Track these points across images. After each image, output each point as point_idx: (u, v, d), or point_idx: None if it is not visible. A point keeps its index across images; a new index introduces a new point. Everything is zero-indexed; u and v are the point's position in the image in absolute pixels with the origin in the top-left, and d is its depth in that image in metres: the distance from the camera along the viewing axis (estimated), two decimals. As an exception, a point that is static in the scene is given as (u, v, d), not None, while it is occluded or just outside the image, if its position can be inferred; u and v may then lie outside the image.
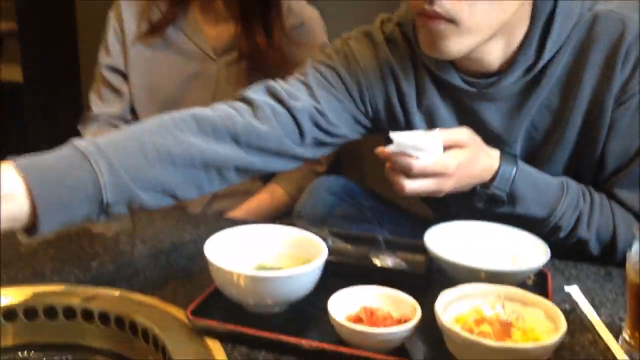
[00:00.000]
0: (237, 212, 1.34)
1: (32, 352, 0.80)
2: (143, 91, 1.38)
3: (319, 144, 0.99)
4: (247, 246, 0.84)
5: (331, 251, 0.81)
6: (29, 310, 0.79)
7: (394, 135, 0.84)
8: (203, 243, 0.99)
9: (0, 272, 0.86)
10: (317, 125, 0.96)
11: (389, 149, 0.85)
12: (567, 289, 0.87)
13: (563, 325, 0.66)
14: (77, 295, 0.81)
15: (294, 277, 0.75)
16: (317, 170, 1.39)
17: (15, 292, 0.81)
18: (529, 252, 0.85)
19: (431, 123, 0.99)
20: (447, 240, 0.87)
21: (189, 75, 1.36)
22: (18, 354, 0.79)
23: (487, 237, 0.89)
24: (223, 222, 1.08)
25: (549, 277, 0.86)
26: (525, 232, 0.88)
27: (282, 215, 1.38)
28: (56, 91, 2.33)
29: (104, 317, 0.79)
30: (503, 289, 0.73)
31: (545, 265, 0.83)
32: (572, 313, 0.81)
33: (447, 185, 0.87)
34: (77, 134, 1.44)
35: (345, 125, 1.00)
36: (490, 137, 0.94)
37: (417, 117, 0.99)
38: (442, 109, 0.98)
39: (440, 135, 0.85)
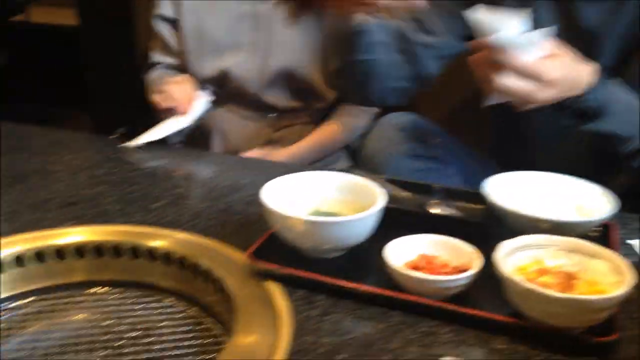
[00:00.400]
0: (294, 148, 1.35)
1: (100, 287, 0.83)
2: (194, 36, 1.38)
3: None
4: (304, 192, 0.84)
5: (389, 198, 0.80)
6: (97, 248, 0.83)
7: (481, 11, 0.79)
8: (260, 188, 1.00)
9: (68, 211, 0.90)
10: None
11: (488, 39, 0.80)
12: (633, 242, 0.84)
13: (630, 278, 0.64)
14: (141, 235, 0.84)
15: (351, 222, 0.75)
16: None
17: (84, 231, 0.84)
18: (595, 203, 0.83)
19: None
20: (508, 189, 0.85)
21: (240, 16, 1.35)
22: (87, 290, 0.83)
23: (551, 187, 0.87)
24: (279, 167, 1.09)
25: (615, 229, 0.84)
26: (591, 183, 0.85)
27: (337, 159, 1.39)
28: (112, 35, 2.36)
29: (167, 257, 0.82)
30: (566, 240, 0.71)
31: (611, 217, 0.81)
32: (638, 266, 0.79)
33: (541, 94, 0.82)
34: (133, 76, 1.47)
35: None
36: (585, 38, 0.90)
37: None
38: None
39: (541, 36, 0.81)
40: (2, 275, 0.79)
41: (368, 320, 0.70)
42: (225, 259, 0.80)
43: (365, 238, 0.78)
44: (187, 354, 0.73)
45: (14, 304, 0.80)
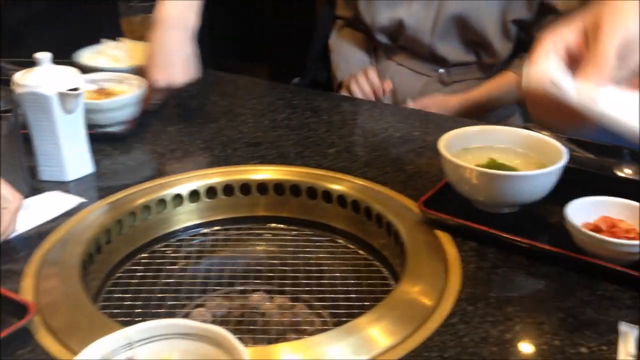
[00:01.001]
0: (466, 95, 1.33)
1: (278, 224, 0.90)
2: None
3: None
4: (481, 145, 0.84)
5: (570, 158, 0.77)
6: (278, 187, 0.89)
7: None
8: (431, 140, 1.01)
9: (253, 150, 0.97)
10: None
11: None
12: None
13: None
14: (318, 177, 0.89)
15: (530, 178, 0.73)
16: None
17: (267, 170, 0.91)
18: None
19: None
20: None
21: None
22: (267, 224, 0.90)
23: None
24: (452, 121, 1.08)
25: None
26: None
27: (511, 112, 1.35)
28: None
29: (342, 200, 0.86)
30: None
31: None
32: None
33: None
34: (311, 28, 1.53)
35: None
36: None
37: None
38: None
39: None
40: (196, 204, 0.88)
41: (541, 277, 0.69)
42: (397, 206, 0.82)
43: (542, 196, 0.76)
44: (355, 292, 0.77)
45: (205, 230, 0.89)
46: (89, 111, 0.92)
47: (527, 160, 0.81)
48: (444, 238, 0.76)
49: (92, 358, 0.48)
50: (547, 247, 0.70)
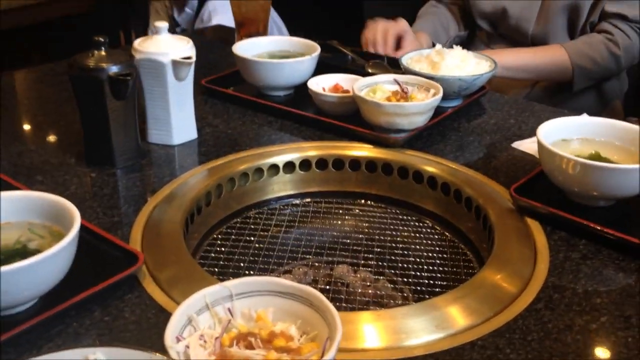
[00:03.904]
0: (511, 51, 1.31)
1: (367, 200, 0.92)
2: None
3: None
4: (581, 137, 0.82)
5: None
6: (369, 164, 0.91)
7: None
8: (527, 127, 1.00)
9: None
10: None
11: None
12: None
13: None
14: (411, 157, 0.90)
15: (632, 172, 0.72)
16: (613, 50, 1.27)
17: (361, 147, 0.93)
18: None
19: None
20: None
21: None
22: (356, 200, 0.93)
23: None
24: (548, 111, 1.06)
25: None
26: None
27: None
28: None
29: (432, 181, 0.87)
30: None
31: None
32: None
33: None
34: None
35: None
36: None
37: None
38: None
39: None
40: (290, 176, 0.92)
41: (632, 272, 0.68)
42: (488, 191, 0.83)
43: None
44: (439, 272, 0.79)
45: (296, 202, 0.93)
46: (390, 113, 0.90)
47: (627, 154, 0.79)
48: (534, 226, 0.76)
49: (197, 304, 0.52)
50: (638, 241, 0.69)
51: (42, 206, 0.64)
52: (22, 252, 0.61)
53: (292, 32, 1.77)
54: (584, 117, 0.87)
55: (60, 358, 0.43)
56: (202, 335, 0.51)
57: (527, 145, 0.93)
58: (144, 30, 2.00)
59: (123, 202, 0.81)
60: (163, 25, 0.90)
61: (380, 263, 0.82)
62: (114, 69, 0.82)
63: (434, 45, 1.16)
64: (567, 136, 0.82)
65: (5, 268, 0.54)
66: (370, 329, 0.61)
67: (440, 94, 0.94)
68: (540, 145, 0.77)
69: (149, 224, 0.76)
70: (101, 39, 0.84)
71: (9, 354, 0.55)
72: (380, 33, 1.31)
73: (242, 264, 0.80)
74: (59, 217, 0.63)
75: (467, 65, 1.05)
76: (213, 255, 0.81)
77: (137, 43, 0.90)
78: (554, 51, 1.30)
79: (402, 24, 1.34)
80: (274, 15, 1.80)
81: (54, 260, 0.57)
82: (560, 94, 1.35)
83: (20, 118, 1.08)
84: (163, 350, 0.47)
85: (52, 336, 0.58)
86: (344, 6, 2.38)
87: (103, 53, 0.83)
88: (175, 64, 0.88)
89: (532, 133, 0.96)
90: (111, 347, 0.44)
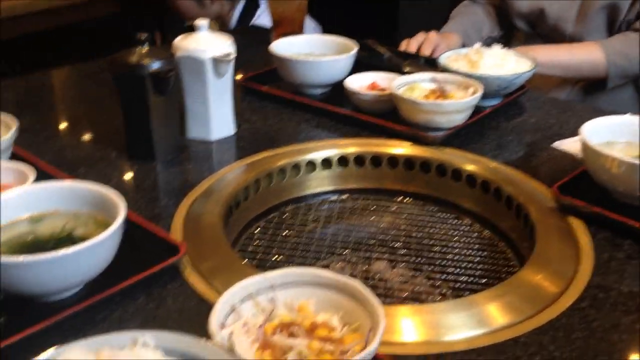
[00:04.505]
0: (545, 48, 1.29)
1: (405, 197, 0.92)
2: None
3: None
4: (625, 135, 0.81)
5: None
6: (407, 162, 0.91)
7: None
8: (569, 127, 0.99)
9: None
10: None
11: None
12: None
13: None
14: (449, 154, 0.90)
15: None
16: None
17: (399, 144, 0.93)
18: None
19: None
20: None
21: None
22: (394, 197, 0.92)
23: None
24: (591, 111, 1.05)
25: None
26: None
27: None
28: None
29: (471, 179, 0.86)
30: None
31: None
32: None
33: None
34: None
35: None
36: None
37: None
38: None
39: None
40: (328, 172, 0.92)
41: (679, 273, 0.66)
42: (529, 189, 0.82)
43: (688, 192, 0.73)
44: (478, 270, 0.78)
45: (333, 198, 0.93)
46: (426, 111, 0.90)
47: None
48: (577, 225, 0.74)
49: (240, 293, 0.53)
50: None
51: (89, 196, 0.65)
52: (69, 240, 0.62)
53: (328, 32, 1.78)
54: (628, 117, 0.85)
55: (109, 341, 0.44)
56: (245, 323, 0.51)
57: (568, 145, 0.92)
58: (180, 30, 2.02)
59: (163, 195, 0.82)
60: (203, 22, 0.91)
61: (418, 260, 0.81)
62: (155, 66, 0.84)
63: (463, 46, 1.16)
64: (612, 139, 0.80)
65: (52, 254, 0.55)
66: (409, 322, 0.61)
67: (480, 92, 0.93)
68: (584, 144, 0.76)
69: (188, 217, 0.77)
70: (143, 37, 0.85)
71: (54, 338, 0.56)
72: (430, 43, 1.30)
73: (280, 257, 0.81)
74: (104, 206, 0.64)
75: (507, 63, 1.04)
76: (251, 249, 0.82)
77: (178, 40, 0.91)
78: (590, 48, 1.28)
79: (454, 39, 1.33)
80: (308, 17, 1.81)
81: (100, 247, 0.58)
82: (598, 91, 1.33)
83: (63, 114, 1.11)
84: (206, 338, 0.47)
85: (97, 322, 0.59)
86: (379, 7, 2.38)
87: (144, 50, 0.85)
88: (215, 61, 0.89)
89: (573, 133, 0.95)
90: (159, 332, 0.45)
